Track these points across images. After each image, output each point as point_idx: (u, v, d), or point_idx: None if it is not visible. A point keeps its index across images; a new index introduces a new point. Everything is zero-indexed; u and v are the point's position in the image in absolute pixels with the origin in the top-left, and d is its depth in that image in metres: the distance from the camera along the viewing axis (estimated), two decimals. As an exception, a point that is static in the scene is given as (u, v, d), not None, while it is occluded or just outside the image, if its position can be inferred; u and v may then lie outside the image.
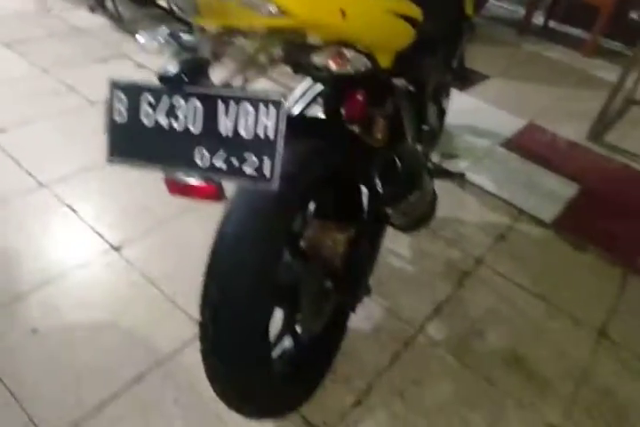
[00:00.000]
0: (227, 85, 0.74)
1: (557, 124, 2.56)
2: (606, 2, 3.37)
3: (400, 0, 0.92)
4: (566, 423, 1.23)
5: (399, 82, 1.13)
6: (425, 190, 1.17)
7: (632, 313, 1.55)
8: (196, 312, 0.84)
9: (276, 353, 1.07)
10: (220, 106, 0.68)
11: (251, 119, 0.67)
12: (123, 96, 0.71)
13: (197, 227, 1.59)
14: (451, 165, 2.07)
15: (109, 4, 2.92)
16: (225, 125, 0.68)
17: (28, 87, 2.22)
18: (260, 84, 0.83)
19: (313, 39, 0.79)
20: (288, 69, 0.93)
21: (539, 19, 3.85)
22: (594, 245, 1.80)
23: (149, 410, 1.14)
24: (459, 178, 1.50)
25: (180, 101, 0.69)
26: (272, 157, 0.66)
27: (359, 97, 0.98)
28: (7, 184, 1.69)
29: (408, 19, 0.93)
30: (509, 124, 2.51)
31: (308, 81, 1.12)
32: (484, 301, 1.53)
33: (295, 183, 0.82)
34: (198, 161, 0.69)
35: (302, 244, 1.05)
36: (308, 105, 1.09)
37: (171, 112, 0.69)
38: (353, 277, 1.14)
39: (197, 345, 0.85)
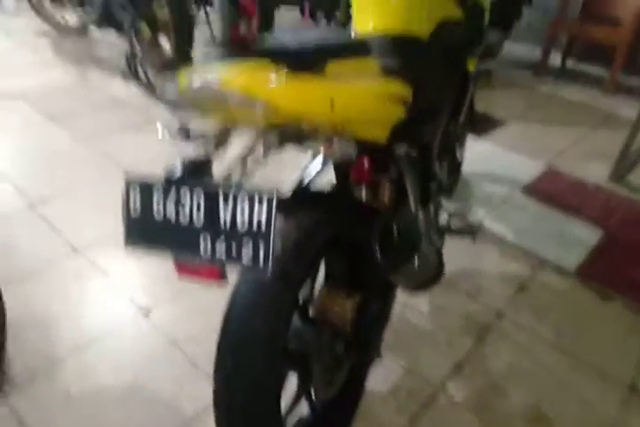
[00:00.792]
0: (227, 178, 0.82)
1: (578, 166, 2.55)
2: (622, 39, 3.43)
3: (387, 82, 0.98)
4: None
5: (401, 148, 1.18)
6: (427, 255, 1.20)
7: (663, 366, 1.50)
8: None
9: (292, 420, 1.10)
10: (220, 201, 0.76)
11: (246, 213, 0.74)
12: (136, 193, 0.80)
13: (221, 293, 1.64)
14: (468, 214, 2.09)
15: (141, 73, 3.15)
16: (224, 219, 0.76)
17: (67, 158, 2.40)
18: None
19: (306, 127, 0.87)
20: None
21: (556, 59, 3.90)
22: (620, 293, 1.76)
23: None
24: (471, 234, 1.53)
25: (184, 198, 0.77)
26: (266, 248, 0.73)
27: (365, 162, 1.06)
28: (47, 251, 1.81)
29: (398, 98, 1.00)
30: (528, 168, 2.51)
31: None
32: (506, 355, 1.51)
33: (298, 258, 0.89)
34: (202, 249, 0.77)
35: (311, 311, 1.10)
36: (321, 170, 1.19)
37: (177, 207, 0.78)
38: (364, 342, 1.17)
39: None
